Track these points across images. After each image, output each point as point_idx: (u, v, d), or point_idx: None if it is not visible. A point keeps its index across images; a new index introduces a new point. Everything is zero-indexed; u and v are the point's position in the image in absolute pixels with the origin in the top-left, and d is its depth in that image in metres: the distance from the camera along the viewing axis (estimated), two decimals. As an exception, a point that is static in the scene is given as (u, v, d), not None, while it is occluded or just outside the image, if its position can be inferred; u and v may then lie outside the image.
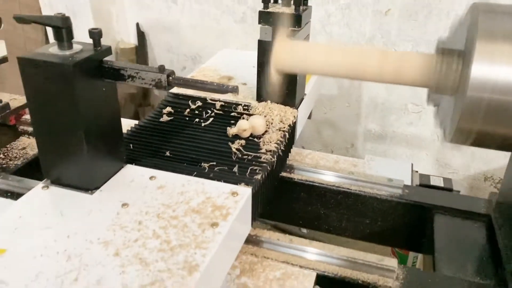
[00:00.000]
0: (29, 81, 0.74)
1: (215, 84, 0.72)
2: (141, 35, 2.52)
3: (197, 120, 1.14)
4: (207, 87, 0.72)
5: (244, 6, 2.31)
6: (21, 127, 1.42)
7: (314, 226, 1.25)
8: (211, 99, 1.20)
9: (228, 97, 1.22)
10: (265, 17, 1.11)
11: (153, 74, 0.75)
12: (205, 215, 0.77)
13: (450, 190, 1.21)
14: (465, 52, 0.71)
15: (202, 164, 0.93)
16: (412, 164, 1.30)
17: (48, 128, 0.78)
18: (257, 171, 0.92)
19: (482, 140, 0.79)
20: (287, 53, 0.90)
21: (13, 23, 0.76)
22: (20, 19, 0.69)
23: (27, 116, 1.43)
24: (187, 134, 1.07)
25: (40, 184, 0.83)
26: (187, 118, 1.15)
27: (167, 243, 0.71)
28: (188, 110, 1.17)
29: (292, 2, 1.15)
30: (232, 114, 1.15)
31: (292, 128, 1.16)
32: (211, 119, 1.14)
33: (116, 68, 0.76)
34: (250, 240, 0.95)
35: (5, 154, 1.30)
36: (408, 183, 1.21)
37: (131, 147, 0.99)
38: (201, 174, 0.89)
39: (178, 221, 0.75)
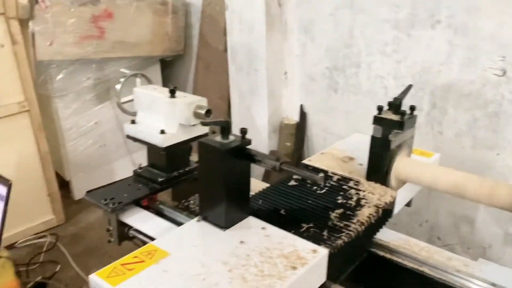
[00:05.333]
0: (201, 154, 1.23)
1: (307, 173, 1.12)
2: (303, 114, 3.01)
3: (314, 188, 1.51)
4: (302, 174, 1.12)
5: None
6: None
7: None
8: (332, 172, 1.57)
9: (344, 172, 1.60)
10: (378, 120, 1.48)
11: (272, 162, 1.17)
12: (290, 261, 1.14)
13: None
14: None
15: (302, 224, 1.30)
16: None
17: (206, 185, 1.26)
18: (341, 236, 1.26)
19: None
20: (404, 169, 1.27)
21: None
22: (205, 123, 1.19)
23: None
24: (302, 198, 1.46)
25: (196, 218, 1.30)
26: (308, 185, 1.53)
27: (261, 271, 1.09)
28: (312, 179, 1.56)
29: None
30: (344, 187, 1.51)
31: (389, 206, 1.46)
32: (326, 188, 1.51)
33: (252, 154, 1.21)
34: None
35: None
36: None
37: (260, 203, 1.42)
38: (297, 232, 1.26)
39: (272, 260, 1.14)
